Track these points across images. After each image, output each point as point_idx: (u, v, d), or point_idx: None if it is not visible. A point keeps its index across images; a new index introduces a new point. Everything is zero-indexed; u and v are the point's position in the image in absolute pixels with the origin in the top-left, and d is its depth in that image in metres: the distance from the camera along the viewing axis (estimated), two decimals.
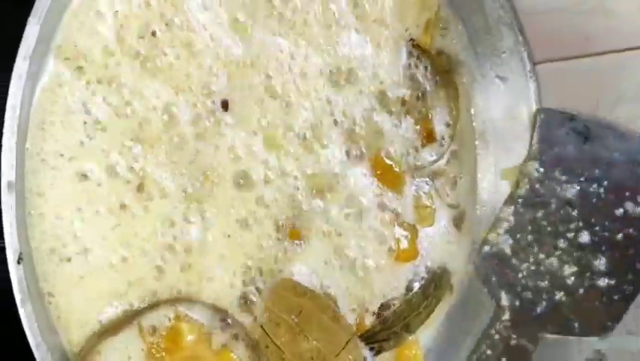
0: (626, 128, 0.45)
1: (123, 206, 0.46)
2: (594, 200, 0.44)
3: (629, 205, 0.43)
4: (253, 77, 0.50)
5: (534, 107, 0.56)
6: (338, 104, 0.53)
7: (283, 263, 0.52)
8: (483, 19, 0.55)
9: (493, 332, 0.39)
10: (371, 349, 0.54)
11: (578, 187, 0.43)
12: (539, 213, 0.42)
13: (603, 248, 0.42)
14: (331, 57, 0.53)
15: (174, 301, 0.48)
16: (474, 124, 0.58)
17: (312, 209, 0.53)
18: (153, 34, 0.47)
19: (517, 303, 0.39)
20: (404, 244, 0.56)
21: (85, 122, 0.46)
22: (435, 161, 0.57)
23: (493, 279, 0.39)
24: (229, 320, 0.49)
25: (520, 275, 0.40)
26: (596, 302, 0.40)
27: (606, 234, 0.43)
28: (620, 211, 0.43)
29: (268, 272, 0.51)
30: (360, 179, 0.54)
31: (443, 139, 0.57)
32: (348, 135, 0.54)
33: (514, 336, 0.39)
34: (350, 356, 0.53)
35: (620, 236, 0.43)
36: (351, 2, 0.53)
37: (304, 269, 0.53)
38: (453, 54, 0.57)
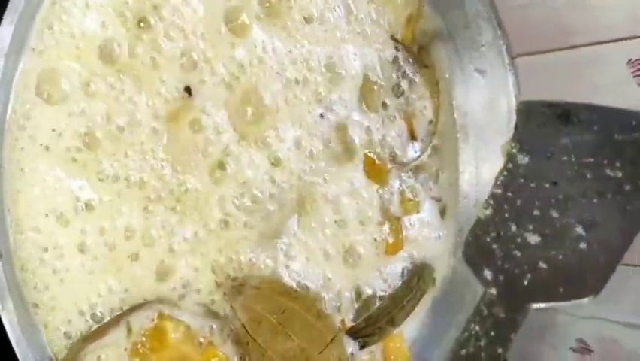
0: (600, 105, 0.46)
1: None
2: (574, 176, 0.44)
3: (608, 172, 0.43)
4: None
5: (513, 100, 0.57)
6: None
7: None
8: (462, 14, 0.55)
9: (482, 308, 0.39)
10: (356, 343, 0.54)
11: (559, 167, 0.43)
12: (522, 193, 0.43)
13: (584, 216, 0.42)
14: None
15: (157, 301, 0.47)
16: (455, 118, 0.58)
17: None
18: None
19: (501, 278, 0.39)
20: (390, 237, 0.56)
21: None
22: (418, 157, 0.57)
23: (478, 256, 0.40)
24: (211, 315, 0.49)
25: (502, 251, 0.41)
26: (579, 267, 0.40)
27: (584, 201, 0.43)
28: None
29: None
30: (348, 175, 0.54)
31: (425, 135, 0.58)
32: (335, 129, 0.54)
33: (502, 310, 0.39)
34: (334, 353, 0.53)
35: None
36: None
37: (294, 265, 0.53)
38: (433, 49, 0.57)
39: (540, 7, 0.58)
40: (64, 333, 0.45)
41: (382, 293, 0.56)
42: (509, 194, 0.43)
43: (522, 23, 0.58)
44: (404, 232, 0.57)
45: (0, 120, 0.43)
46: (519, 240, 0.40)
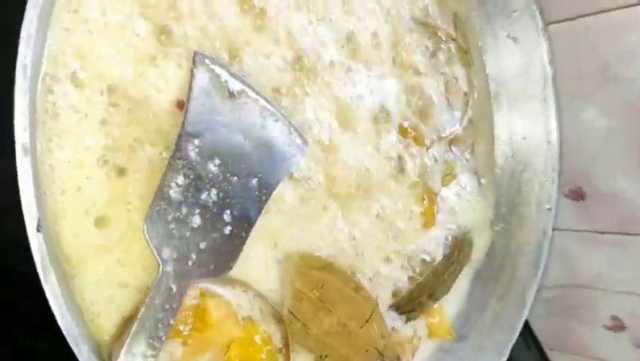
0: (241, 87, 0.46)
1: None
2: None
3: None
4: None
5: (548, 67, 0.56)
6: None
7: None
8: None
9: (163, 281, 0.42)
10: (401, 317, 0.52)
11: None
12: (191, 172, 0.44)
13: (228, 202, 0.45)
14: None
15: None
16: (489, 86, 0.57)
17: None
18: None
19: (175, 255, 0.42)
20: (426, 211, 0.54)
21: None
22: (455, 129, 0.56)
23: (160, 234, 0.42)
24: (252, 293, 0.47)
25: (176, 230, 0.43)
26: (223, 247, 0.45)
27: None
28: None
29: None
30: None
31: (461, 105, 0.56)
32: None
33: (175, 286, 0.42)
34: (375, 328, 0.51)
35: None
36: None
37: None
38: (465, 17, 0.56)
39: None
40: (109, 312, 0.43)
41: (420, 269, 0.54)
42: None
43: None
44: (442, 205, 0.55)
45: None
46: (188, 222, 0.43)
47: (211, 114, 0.44)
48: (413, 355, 0.54)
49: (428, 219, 0.54)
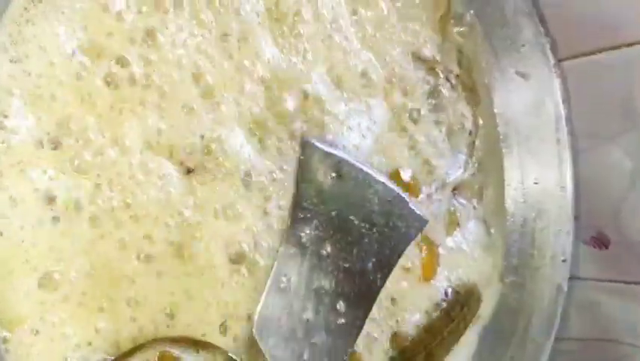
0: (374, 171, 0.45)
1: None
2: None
3: None
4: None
5: (561, 105, 0.51)
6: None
7: None
8: (498, 11, 0.50)
9: None
10: None
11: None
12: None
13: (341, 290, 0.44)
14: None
15: (155, 341, 0.41)
16: (497, 127, 0.53)
17: None
18: None
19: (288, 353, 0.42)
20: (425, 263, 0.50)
21: None
22: (461, 173, 0.52)
23: (272, 330, 0.42)
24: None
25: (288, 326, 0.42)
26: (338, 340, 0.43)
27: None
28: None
29: None
30: None
31: (466, 147, 0.52)
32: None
33: None
34: None
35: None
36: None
37: None
38: (470, 52, 0.52)
39: (585, 1, 0.53)
40: None
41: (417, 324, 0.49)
42: None
43: (565, 22, 0.52)
44: (444, 256, 0.51)
45: None
46: (300, 316, 0.44)
47: (320, 197, 0.43)
48: None
49: (427, 272, 0.49)
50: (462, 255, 0.52)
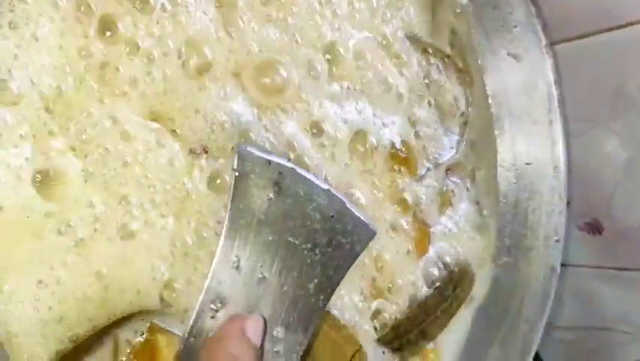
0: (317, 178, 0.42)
1: None
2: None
3: None
4: None
5: (553, 86, 0.52)
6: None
7: None
8: None
9: None
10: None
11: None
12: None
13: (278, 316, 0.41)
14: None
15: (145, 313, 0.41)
16: (490, 108, 0.53)
17: None
18: None
19: None
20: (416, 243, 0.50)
21: None
22: (454, 154, 0.52)
23: None
24: None
25: None
26: None
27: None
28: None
29: None
30: None
31: (459, 128, 0.52)
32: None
33: None
34: None
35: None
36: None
37: None
38: (463, 33, 0.52)
39: None
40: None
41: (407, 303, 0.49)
42: None
43: (557, 6, 0.53)
44: (436, 236, 0.51)
45: None
46: None
47: (257, 222, 0.40)
48: None
49: (419, 249, 0.49)
50: (454, 235, 0.52)
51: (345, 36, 0.46)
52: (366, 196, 0.47)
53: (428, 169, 0.51)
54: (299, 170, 0.41)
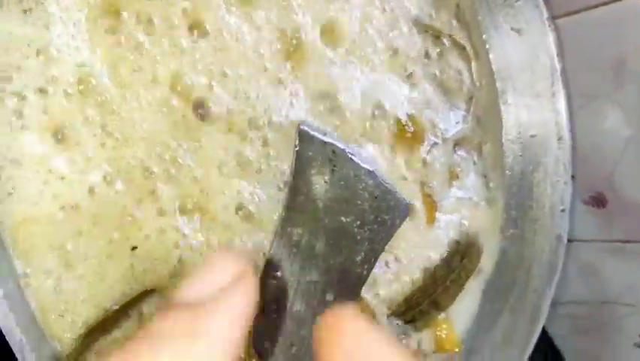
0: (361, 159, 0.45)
1: None
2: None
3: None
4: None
5: (555, 59, 0.52)
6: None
7: None
8: None
9: None
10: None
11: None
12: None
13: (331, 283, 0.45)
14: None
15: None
16: (495, 82, 0.54)
17: None
18: None
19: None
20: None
21: None
22: (460, 129, 0.52)
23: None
24: None
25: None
26: None
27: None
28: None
29: None
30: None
31: (464, 103, 0.53)
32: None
33: None
34: None
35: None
36: None
37: None
38: (467, 7, 0.53)
39: None
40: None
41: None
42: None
43: None
44: (444, 209, 0.51)
45: None
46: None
47: (313, 205, 0.44)
48: None
49: (427, 222, 0.50)
50: (462, 208, 0.52)
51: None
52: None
53: (435, 143, 0.51)
54: (349, 150, 0.45)
